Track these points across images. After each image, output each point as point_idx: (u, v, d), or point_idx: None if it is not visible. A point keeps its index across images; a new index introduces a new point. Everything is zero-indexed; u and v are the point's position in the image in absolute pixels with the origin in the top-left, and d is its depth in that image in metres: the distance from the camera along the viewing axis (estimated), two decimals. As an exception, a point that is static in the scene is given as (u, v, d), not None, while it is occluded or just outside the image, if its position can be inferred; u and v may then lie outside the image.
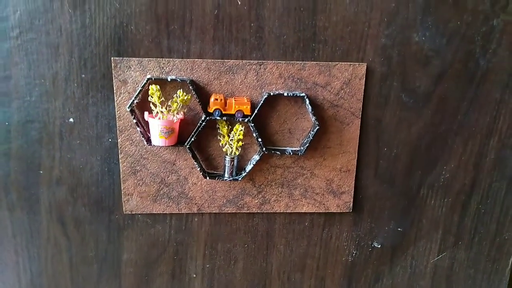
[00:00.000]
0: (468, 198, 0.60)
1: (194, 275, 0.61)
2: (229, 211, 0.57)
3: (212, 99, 0.50)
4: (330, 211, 0.58)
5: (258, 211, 0.58)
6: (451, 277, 0.65)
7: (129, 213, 0.56)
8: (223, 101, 0.50)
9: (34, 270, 0.58)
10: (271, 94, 0.51)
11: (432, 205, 0.60)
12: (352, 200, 0.58)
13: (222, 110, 0.50)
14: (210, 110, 0.50)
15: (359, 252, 0.62)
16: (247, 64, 0.51)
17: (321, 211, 0.58)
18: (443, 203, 0.60)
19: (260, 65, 0.51)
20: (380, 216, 0.60)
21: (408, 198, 0.60)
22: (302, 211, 0.58)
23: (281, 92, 0.51)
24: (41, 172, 0.54)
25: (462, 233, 0.62)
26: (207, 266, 0.60)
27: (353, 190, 0.58)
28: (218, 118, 0.50)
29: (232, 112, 0.50)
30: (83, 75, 0.51)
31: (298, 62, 0.51)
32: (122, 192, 0.55)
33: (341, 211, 0.59)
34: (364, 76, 0.52)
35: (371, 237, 0.61)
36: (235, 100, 0.50)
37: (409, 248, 0.63)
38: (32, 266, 0.58)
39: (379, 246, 0.62)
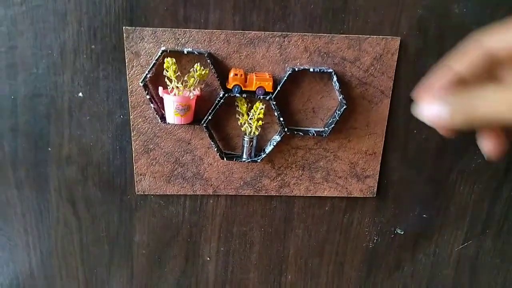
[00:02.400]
0: (500, 185, 0.57)
1: (208, 258, 0.59)
2: (246, 194, 0.54)
3: (231, 74, 0.46)
4: (352, 196, 0.55)
5: (277, 194, 0.55)
6: (475, 266, 0.62)
7: (142, 193, 0.53)
8: (243, 76, 0.46)
9: (44, 250, 0.57)
10: (296, 69, 0.47)
11: (461, 192, 0.57)
12: (376, 184, 0.55)
13: (242, 87, 0.46)
14: (229, 86, 0.46)
15: (380, 238, 0.59)
16: (270, 36, 0.47)
17: (343, 196, 0.55)
18: (472, 190, 0.57)
19: (284, 38, 0.47)
20: (405, 202, 0.57)
21: (436, 184, 0.56)
22: (323, 195, 0.55)
23: (307, 68, 0.47)
24: (50, 149, 0.51)
25: (490, 221, 0.59)
26: (222, 249, 0.58)
27: (378, 174, 0.54)
28: (237, 95, 0.46)
29: (253, 88, 0.46)
30: (93, 46, 0.47)
31: (325, 34, 0.47)
32: (135, 172, 0.52)
33: (364, 196, 0.55)
34: (397, 51, 0.48)
35: (394, 223, 0.58)
36: (256, 76, 0.46)
37: (434, 236, 0.60)
38: (42, 246, 0.56)
39: (402, 233, 0.59)
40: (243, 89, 0.46)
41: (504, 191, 0.57)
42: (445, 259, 0.61)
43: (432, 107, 0.31)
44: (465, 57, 0.32)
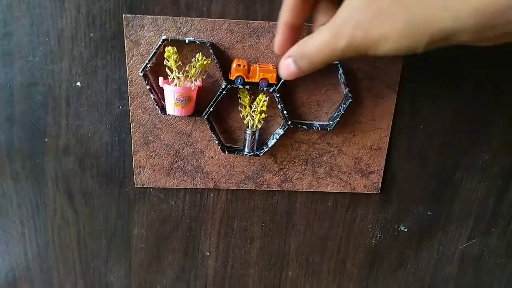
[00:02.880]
0: (507, 183, 0.56)
1: (208, 253, 0.57)
2: (248, 188, 0.53)
3: (234, 65, 0.44)
4: (356, 192, 0.54)
5: (279, 189, 0.53)
6: (479, 265, 0.61)
7: (141, 186, 0.52)
8: (246, 67, 0.44)
9: (40, 242, 0.55)
10: (301, 61, 0.45)
11: (467, 189, 0.56)
12: (381, 180, 0.54)
13: (245, 78, 0.44)
14: (232, 78, 0.45)
15: (383, 235, 0.58)
16: (275, 26, 0.45)
17: (347, 191, 0.54)
18: (478, 187, 0.56)
19: (289, 28, 0.45)
20: (410, 199, 0.56)
21: (442, 181, 0.55)
22: (326, 191, 0.54)
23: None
24: (47, 140, 0.50)
25: (496, 219, 0.58)
26: (222, 244, 0.57)
27: (382, 170, 0.53)
28: (240, 86, 0.45)
29: (256, 80, 0.45)
30: (91, 34, 0.45)
31: (332, 25, 0.45)
32: (134, 164, 0.51)
33: (368, 192, 0.54)
34: (406, 43, 0.46)
35: (398, 220, 0.57)
36: (259, 67, 0.45)
37: (438, 233, 0.58)
38: (39, 238, 0.55)
39: (406, 230, 0.58)
40: (246, 80, 0.45)
41: (510, 190, 0.56)
42: (448, 257, 0.60)
43: (282, 63, 0.38)
44: (284, 7, 0.37)
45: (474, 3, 0.25)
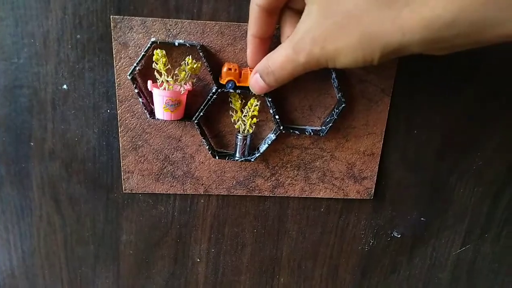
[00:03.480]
0: (501, 189, 0.55)
1: (198, 260, 0.56)
2: (239, 194, 0.52)
3: (224, 69, 0.43)
4: (348, 197, 0.53)
5: (271, 195, 0.52)
6: (472, 270, 0.60)
7: (129, 192, 0.51)
8: (237, 71, 0.43)
9: (26, 249, 0.54)
10: (293, 65, 0.44)
11: (461, 194, 0.55)
12: (374, 186, 0.53)
13: (236, 82, 0.43)
14: (223, 82, 0.44)
15: (376, 241, 0.57)
16: (267, 29, 0.44)
17: (339, 197, 0.53)
18: (473, 193, 0.55)
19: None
20: (403, 205, 0.55)
21: (436, 186, 0.54)
22: (319, 196, 0.53)
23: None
24: (32, 144, 0.48)
25: (490, 225, 0.57)
26: (212, 250, 0.56)
27: (376, 176, 0.52)
28: (231, 91, 0.44)
29: (247, 84, 0.44)
30: (78, 36, 0.44)
31: (325, 29, 0.45)
32: (122, 169, 0.50)
33: (361, 198, 0.53)
34: (400, 48, 0.46)
35: (391, 226, 0.57)
36: (251, 71, 0.44)
37: (431, 239, 0.58)
38: (24, 244, 0.54)
39: (399, 236, 0.57)
40: (237, 84, 0.44)
41: (505, 196, 0.55)
42: (442, 263, 0.60)
43: (251, 79, 0.40)
44: (250, 20, 0.39)
45: (420, 18, 0.27)
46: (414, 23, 0.27)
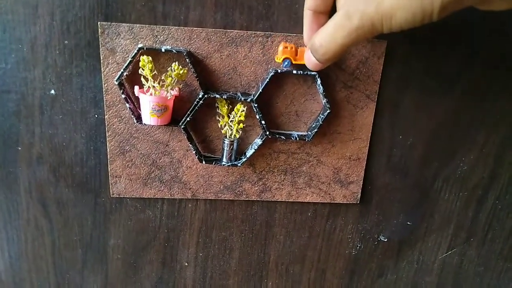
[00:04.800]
0: (485, 193, 0.56)
1: (186, 264, 0.57)
2: (226, 198, 0.52)
3: (281, 47, 0.43)
4: (335, 202, 0.54)
5: (258, 199, 0.53)
6: (458, 274, 0.61)
7: (117, 196, 0.51)
8: (293, 49, 0.43)
9: (13, 253, 0.54)
10: (278, 71, 0.45)
11: (446, 199, 0.56)
12: (360, 190, 0.53)
13: (292, 60, 0.43)
14: (278, 60, 0.43)
15: (363, 245, 0.58)
16: (253, 35, 0.45)
17: (326, 202, 0.54)
18: (458, 197, 0.56)
19: (267, 38, 0.45)
20: (389, 209, 0.56)
21: (421, 191, 0.55)
22: (305, 201, 0.53)
23: (290, 70, 0.45)
24: (20, 148, 0.49)
25: (475, 229, 0.58)
26: (200, 254, 0.56)
27: (362, 180, 0.53)
28: (287, 68, 0.44)
29: (303, 62, 0.42)
30: (66, 41, 0.45)
31: (310, 35, 0.45)
32: (109, 174, 0.50)
33: (348, 202, 0.54)
34: (384, 55, 0.47)
35: (378, 230, 0.57)
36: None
37: (417, 243, 0.58)
38: (11, 248, 0.54)
39: (386, 240, 0.58)
40: (293, 62, 0.43)
41: (489, 200, 0.56)
42: (428, 266, 0.60)
43: (305, 56, 0.39)
44: None
45: None
46: None
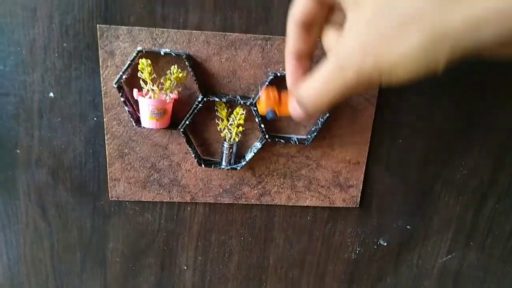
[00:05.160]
0: (485, 197, 0.56)
1: (185, 267, 0.56)
2: (225, 202, 0.52)
3: (263, 96, 0.37)
4: (335, 206, 0.54)
5: (257, 203, 0.53)
6: (458, 278, 0.61)
7: (116, 199, 0.51)
8: (276, 97, 0.37)
9: (12, 257, 0.54)
10: (278, 74, 0.45)
11: (446, 203, 0.56)
12: (359, 194, 0.53)
13: (276, 111, 0.37)
14: (261, 111, 0.37)
15: (363, 249, 0.57)
16: (252, 38, 0.45)
17: (326, 205, 0.53)
18: (457, 201, 0.56)
19: (267, 41, 0.45)
20: (389, 213, 0.56)
21: (421, 195, 0.55)
22: (305, 205, 0.53)
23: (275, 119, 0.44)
24: (18, 151, 0.48)
25: (474, 233, 0.58)
26: (200, 258, 0.56)
27: (361, 184, 0.53)
28: (270, 118, 0.37)
29: (288, 112, 0.36)
30: (65, 44, 0.44)
31: (309, 39, 0.45)
32: (108, 177, 0.50)
33: (347, 206, 0.54)
34: (383, 58, 0.46)
35: (378, 234, 0.57)
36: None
37: (417, 247, 0.58)
38: (10, 252, 0.53)
39: (385, 244, 0.57)
40: (278, 114, 0.37)
41: (489, 203, 0.56)
42: (428, 270, 0.60)
43: (290, 106, 0.35)
44: (287, 35, 0.33)
45: (498, 10, 0.22)
46: (490, 15, 0.22)
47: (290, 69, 0.35)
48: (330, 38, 0.33)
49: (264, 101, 0.37)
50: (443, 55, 0.25)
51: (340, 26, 0.33)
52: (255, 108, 0.45)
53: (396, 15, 0.25)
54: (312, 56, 0.35)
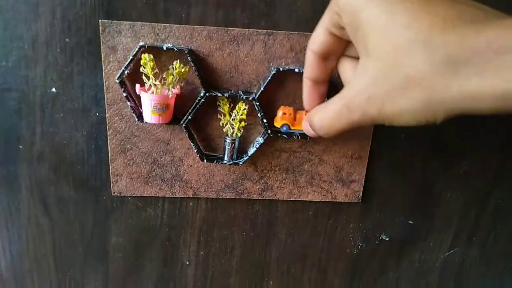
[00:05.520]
0: (488, 193, 0.56)
1: (187, 262, 0.56)
2: (228, 197, 0.52)
3: (280, 113, 0.45)
4: (337, 201, 0.54)
5: (259, 198, 0.53)
6: (460, 274, 0.61)
7: (118, 195, 0.51)
8: (292, 115, 0.45)
9: (14, 252, 0.54)
10: (280, 69, 0.45)
11: (448, 198, 0.56)
12: (362, 189, 0.53)
13: (290, 126, 0.45)
14: (277, 125, 0.46)
15: (365, 244, 0.58)
16: (255, 33, 0.45)
17: (328, 200, 0.54)
18: (460, 197, 0.56)
19: (269, 36, 0.45)
20: (391, 208, 0.56)
21: (423, 190, 0.55)
22: (307, 200, 0.53)
23: (292, 68, 0.45)
24: (21, 146, 0.49)
25: (477, 229, 0.58)
26: (202, 253, 0.56)
27: (363, 179, 0.53)
28: (284, 131, 0.46)
29: (301, 128, 0.44)
30: (67, 39, 0.44)
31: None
32: (111, 172, 0.50)
33: (349, 201, 0.54)
34: (386, 53, 0.46)
35: (380, 229, 0.57)
36: (306, 114, 0.42)
37: (419, 242, 0.58)
38: (12, 247, 0.54)
39: (387, 239, 0.58)
40: (291, 128, 0.45)
41: (491, 200, 0.56)
42: (430, 266, 0.60)
43: (303, 124, 0.39)
44: (306, 63, 0.37)
45: (493, 90, 0.24)
46: (485, 94, 0.24)
47: (306, 93, 0.40)
48: (346, 68, 0.36)
49: (281, 117, 0.45)
50: (440, 115, 0.28)
51: (355, 59, 0.35)
52: (257, 103, 0.45)
53: (401, 75, 0.27)
54: (328, 82, 0.39)
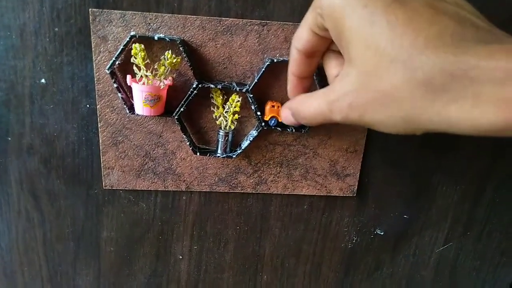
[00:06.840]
0: (483, 187, 0.55)
1: (180, 257, 0.56)
2: (221, 191, 0.52)
3: (268, 107, 0.46)
4: (331, 195, 0.53)
5: (253, 192, 0.52)
6: (455, 268, 0.61)
7: (110, 188, 0.50)
8: (280, 108, 0.45)
9: (4, 246, 0.53)
10: (274, 60, 0.44)
11: (443, 192, 0.55)
12: (357, 183, 0.53)
13: (278, 119, 0.45)
14: (266, 118, 0.46)
15: (360, 238, 0.57)
16: (248, 24, 0.44)
17: (322, 194, 0.53)
18: (455, 191, 0.55)
19: (263, 26, 0.44)
20: (386, 202, 0.55)
21: (418, 184, 0.54)
22: (301, 193, 0.53)
23: (286, 59, 0.44)
24: (9, 138, 0.48)
25: (472, 223, 0.58)
26: (195, 247, 0.55)
27: (358, 173, 0.52)
28: (273, 127, 0.46)
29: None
30: (56, 29, 0.43)
31: (307, 24, 0.44)
32: (102, 165, 0.49)
33: (344, 195, 0.53)
34: (382, 45, 0.46)
35: (375, 223, 0.57)
36: None
37: (414, 237, 0.58)
38: (2, 241, 0.53)
39: (382, 233, 0.57)
40: (280, 121, 0.45)
41: (487, 193, 0.56)
42: (425, 260, 0.60)
43: (283, 111, 0.41)
44: (290, 60, 0.38)
45: (470, 119, 0.24)
46: (461, 122, 0.25)
47: (291, 87, 0.40)
48: (330, 63, 0.36)
49: (269, 110, 0.45)
50: (419, 131, 0.28)
51: (340, 55, 0.35)
52: (251, 95, 0.44)
53: (381, 90, 0.27)
54: (312, 76, 0.40)
